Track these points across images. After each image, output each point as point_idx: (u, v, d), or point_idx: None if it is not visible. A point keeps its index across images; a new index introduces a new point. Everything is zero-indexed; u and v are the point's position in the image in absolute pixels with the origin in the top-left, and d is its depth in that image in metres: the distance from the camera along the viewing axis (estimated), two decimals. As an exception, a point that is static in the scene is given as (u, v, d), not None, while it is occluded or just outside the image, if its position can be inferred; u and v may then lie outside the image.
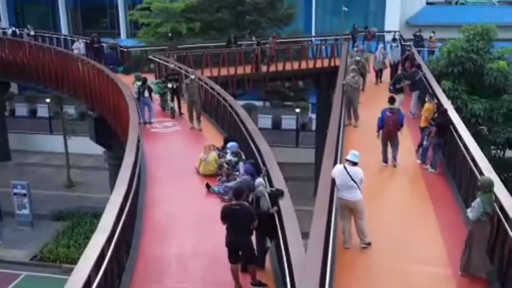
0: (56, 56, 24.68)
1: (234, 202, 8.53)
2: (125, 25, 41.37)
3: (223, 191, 11.85)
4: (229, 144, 13.18)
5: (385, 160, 13.36)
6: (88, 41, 26.90)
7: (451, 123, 13.00)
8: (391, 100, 13.65)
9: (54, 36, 31.23)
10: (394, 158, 13.33)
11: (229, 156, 12.77)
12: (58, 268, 22.63)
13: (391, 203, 11.51)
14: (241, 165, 12.08)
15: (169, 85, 18.40)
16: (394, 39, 24.39)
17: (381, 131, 13.27)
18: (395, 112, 13.22)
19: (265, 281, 8.58)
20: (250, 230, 8.41)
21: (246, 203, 8.58)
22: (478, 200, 8.44)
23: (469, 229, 8.70)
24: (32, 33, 29.66)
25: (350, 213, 9.49)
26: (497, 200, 8.56)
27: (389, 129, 13.08)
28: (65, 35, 33.68)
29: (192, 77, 17.19)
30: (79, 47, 26.50)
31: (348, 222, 9.52)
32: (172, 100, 18.55)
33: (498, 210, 8.43)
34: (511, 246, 7.87)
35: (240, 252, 8.43)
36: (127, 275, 8.87)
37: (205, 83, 18.79)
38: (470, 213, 8.50)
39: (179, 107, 18.54)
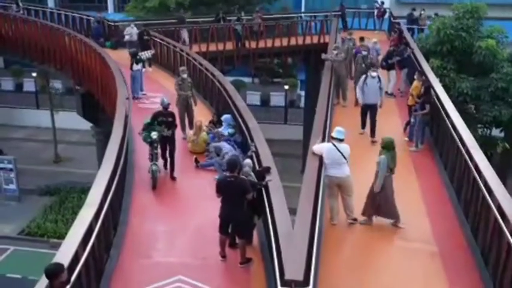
0: (43, 29, 24.30)
1: (228, 174, 8.55)
2: (112, -2, 40.75)
3: (210, 163, 12.10)
4: (224, 116, 13.46)
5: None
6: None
7: (437, 98, 13.14)
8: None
9: (40, 9, 30.60)
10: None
11: (223, 128, 13.02)
12: (46, 243, 22.66)
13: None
14: (236, 136, 12.56)
15: (154, 135, 11.43)
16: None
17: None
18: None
19: (252, 256, 8.63)
20: (244, 203, 8.42)
21: (241, 176, 8.60)
22: (383, 157, 9.29)
23: (378, 184, 9.34)
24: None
25: (338, 190, 9.56)
26: (481, 176, 8.68)
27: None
28: (51, 8, 33.06)
29: (184, 75, 14.10)
30: (131, 32, 21.95)
31: (335, 200, 9.59)
32: (155, 158, 11.44)
33: (483, 189, 8.55)
34: (494, 222, 7.98)
35: (231, 226, 8.50)
36: (115, 249, 8.91)
37: (194, 58, 18.60)
38: (380, 171, 9.34)
39: (171, 166, 11.86)
